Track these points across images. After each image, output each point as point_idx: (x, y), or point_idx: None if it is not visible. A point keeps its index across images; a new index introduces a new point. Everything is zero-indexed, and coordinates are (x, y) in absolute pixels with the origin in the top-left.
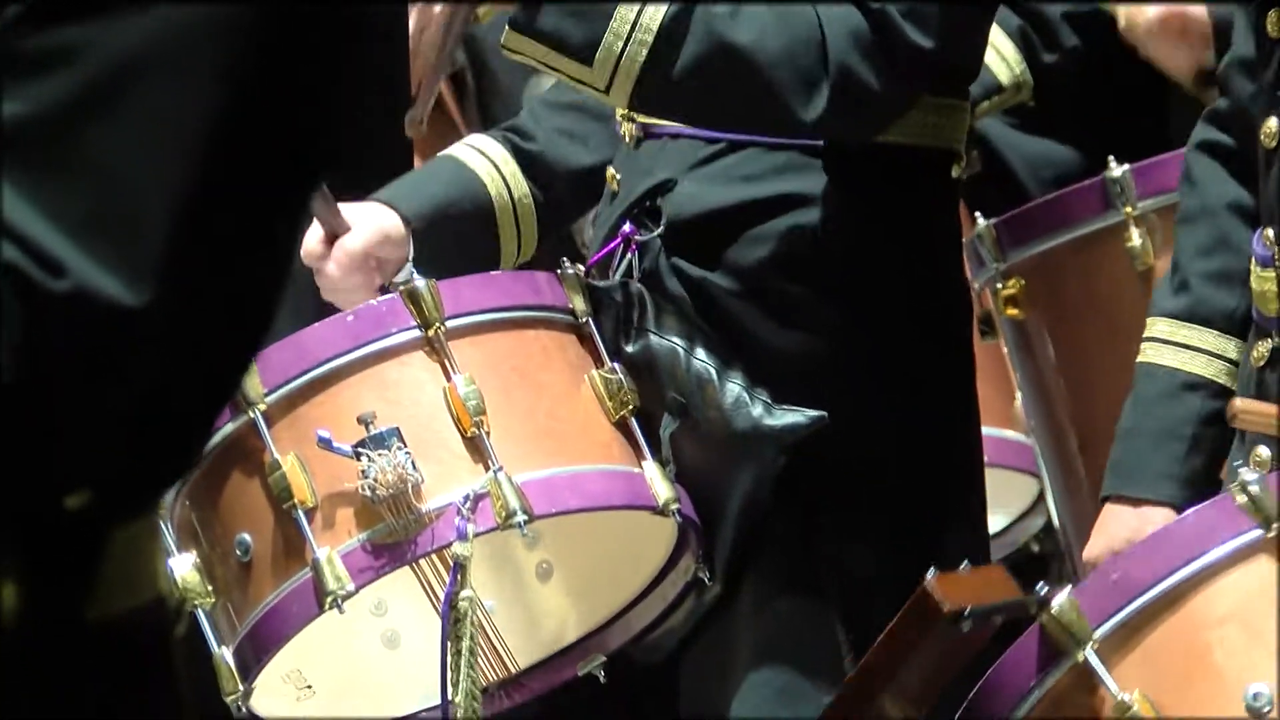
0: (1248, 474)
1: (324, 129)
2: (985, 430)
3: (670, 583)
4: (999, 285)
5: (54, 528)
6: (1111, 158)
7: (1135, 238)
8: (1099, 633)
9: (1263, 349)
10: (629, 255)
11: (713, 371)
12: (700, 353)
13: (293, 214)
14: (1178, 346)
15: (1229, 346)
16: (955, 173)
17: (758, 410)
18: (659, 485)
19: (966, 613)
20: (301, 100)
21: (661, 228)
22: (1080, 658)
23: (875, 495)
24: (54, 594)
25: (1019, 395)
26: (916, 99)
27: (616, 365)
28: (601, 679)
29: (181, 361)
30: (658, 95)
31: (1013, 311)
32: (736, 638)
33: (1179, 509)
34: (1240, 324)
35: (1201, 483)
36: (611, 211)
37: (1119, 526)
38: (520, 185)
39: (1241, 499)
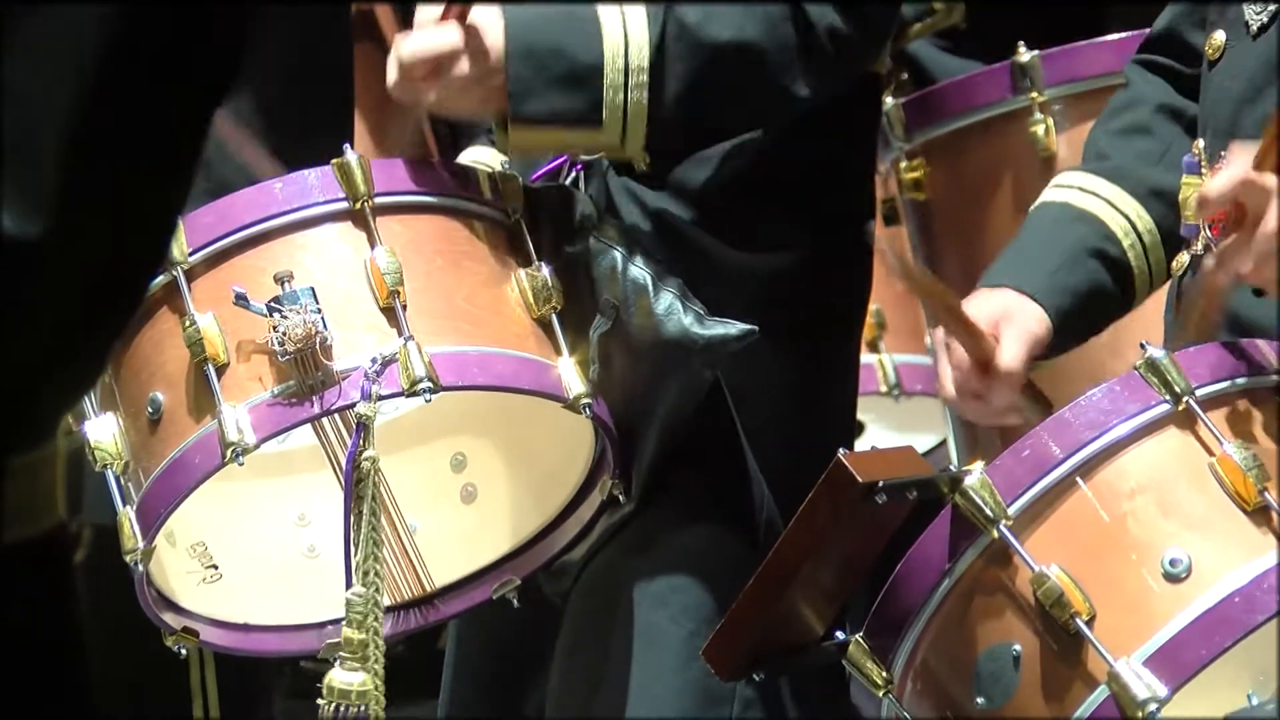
0: (1154, 349)
1: (221, 51)
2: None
3: (587, 505)
4: (903, 164)
5: None
6: (1021, 43)
7: (1039, 123)
8: (1012, 509)
9: (1183, 257)
10: (574, 173)
11: (649, 278)
12: (639, 260)
13: (190, 141)
14: (1082, 191)
15: (1133, 206)
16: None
17: (689, 319)
18: (572, 379)
19: (880, 485)
20: (199, 22)
21: None
22: (995, 534)
23: (812, 413)
24: None
25: None
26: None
27: (543, 265)
28: (515, 603)
29: (77, 292)
30: (669, 126)
31: (915, 193)
32: (651, 554)
33: (1040, 304)
34: (1151, 202)
35: (1067, 303)
36: None
37: (977, 306)
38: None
39: (1148, 373)
